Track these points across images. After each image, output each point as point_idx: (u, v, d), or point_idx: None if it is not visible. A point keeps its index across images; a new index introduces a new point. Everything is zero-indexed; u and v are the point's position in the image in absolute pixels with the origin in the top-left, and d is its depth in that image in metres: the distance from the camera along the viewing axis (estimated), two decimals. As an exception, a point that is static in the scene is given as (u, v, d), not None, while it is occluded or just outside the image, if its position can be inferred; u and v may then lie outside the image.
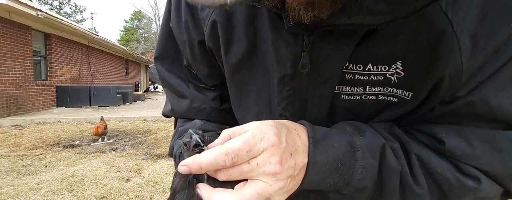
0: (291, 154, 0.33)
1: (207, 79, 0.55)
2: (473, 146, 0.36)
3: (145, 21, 42.95)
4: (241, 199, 0.31)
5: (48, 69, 8.27)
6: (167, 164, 3.37)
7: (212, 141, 0.36)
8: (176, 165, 0.46)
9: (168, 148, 0.57)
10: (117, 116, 6.78)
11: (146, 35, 42.76)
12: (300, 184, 0.35)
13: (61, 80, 8.73)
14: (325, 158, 0.35)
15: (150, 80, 23.30)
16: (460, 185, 0.37)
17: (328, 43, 0.37)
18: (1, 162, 3.36)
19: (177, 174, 0.37)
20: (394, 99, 0.40)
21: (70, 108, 8.40)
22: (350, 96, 0.41)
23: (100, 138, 4.57)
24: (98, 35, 10.38)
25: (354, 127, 0.40)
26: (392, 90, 0.39)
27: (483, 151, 0.36)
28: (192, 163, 0.32)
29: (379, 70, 0.38)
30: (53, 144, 4.28)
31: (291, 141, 0.34)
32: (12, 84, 6.56)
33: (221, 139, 0.36)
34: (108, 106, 8.97)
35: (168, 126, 5.94)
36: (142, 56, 18.74)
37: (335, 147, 0.36)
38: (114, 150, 4.07)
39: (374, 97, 0.40)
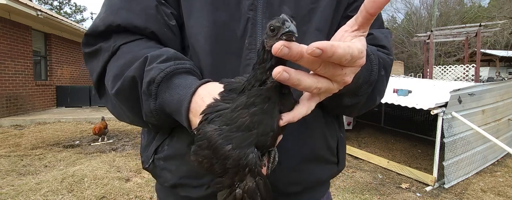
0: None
1: None
2: (384, 35, 0.61)
3: (145, 21, 42.93)
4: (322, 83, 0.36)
5: (48, 69, 8.27)
6: (167, 164, 3.38)
7: None
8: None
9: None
10: (117, 116, 6.78)
11: (146, 35, 42.70)
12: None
13: (61, 80, 8.72)
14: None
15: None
16: (390, 61, 0.57)
17: None
18: (1, 162, 3.36)
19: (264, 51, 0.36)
20: None
21: (70, 108, 8.40)
22: None
23: (100, 138, 4.57)
24: (98, 35, 10.37)
25: None
26: None
27: (386, 37, 0.61)
28: (330, 47, 0.30)
29: None
30: (53, 144, 4.28)
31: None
32: (12, 84, 6.55)
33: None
34: (108, 106, 8.97)
35: (168, 126, 5.94)
36: (142, 56, 18.73)
37: None
38: (114, 150, 4.07)
39: None
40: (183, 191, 0.56)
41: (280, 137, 0.43)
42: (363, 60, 0.35)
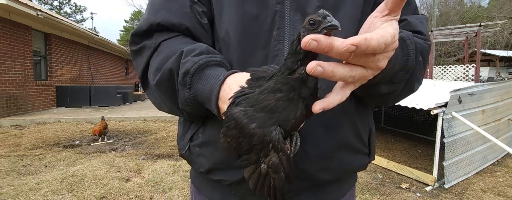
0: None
1: None
2: (420, 20, 0.59)
3: (145, 21, 42.88)
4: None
5: (48, 69, 8.27)
6: (167, 164, 3.37)
7: None
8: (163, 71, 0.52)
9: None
10: (117, 116, 6.78)
11: (146, 35, 42.67)
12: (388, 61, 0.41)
13: (61, 80, 8.72)
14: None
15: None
16: (427, 46, 0.55)
17: None
18: (1, 162, 3.36)
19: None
20: None
21: (70, 108, 8.40)
22: None
23: (100, 138, 4.57)
24: (98, 35, 10.37)
25: None
26: None
27: (422, 23, 0.60)
28: (364, 42, 0.31)
29: None
30: (53, 144, 4.28)
31: None
32: (12, 84, 6.55)
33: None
34: (108, 106, 8.96)
35: (168, 126, 5.94)
36: (142, 56, 18.70)
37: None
38: (114, 150, 4.07)
39: None
40: (217, 175, 0.60)
41: (302, 125, 0.45)
42: (396, 44, 0.36)
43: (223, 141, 0.46)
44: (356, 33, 0.42)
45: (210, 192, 0.67)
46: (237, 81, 0.46)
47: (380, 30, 0.34)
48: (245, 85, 0.45)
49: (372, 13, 0.39)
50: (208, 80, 0.50)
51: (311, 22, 0.34)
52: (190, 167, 0.70)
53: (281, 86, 0.40)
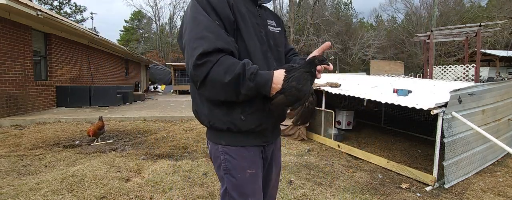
0: None
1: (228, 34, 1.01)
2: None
3: (145, 21, 42.86)
4: None
5: (48, 69, 8.26)
6: (167, 164, 3.37)
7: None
8: (245, 78, 0.93)
9: (232, 70, 0.92)
10: (117, 116, 6.77)
11: (146, 35, 42.67)
12: None
13: (61, 80, 8.72)
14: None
15: (150, 80, 23.27)
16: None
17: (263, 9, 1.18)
18: (1, 162, 3.35)
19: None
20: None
21: (70, 108, 8.40)
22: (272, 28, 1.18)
23: (95, 140, 4.52)
24: (98, 35, 10.36)
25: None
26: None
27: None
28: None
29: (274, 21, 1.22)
30: (53, 144, 4.28)
31: None
32: (12, 84, 6.55)
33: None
34: (108, 106, 8.96)
35: (168, 126, 5.94)
36: (142, 56, 18.68)
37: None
38: (114, 150, 4.07)
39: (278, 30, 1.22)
40: (261, 126, 1.08)
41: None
42: None
43: (281, 101, 0.93)
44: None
45: (249, 139, 1.10)
46: (279, 73, 0.95)
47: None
48: (285, 74, 0.94)
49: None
50: (263, 76, 0.94)
51: (319, 61, 0.95)
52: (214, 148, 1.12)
53: (307, 73, 0.94)
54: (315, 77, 0.97)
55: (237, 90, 0.92)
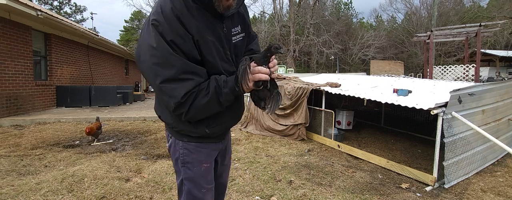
0: None
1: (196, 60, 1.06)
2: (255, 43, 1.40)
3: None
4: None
5: (48, 69, 8.26)
6: (167, 164, 3.37)
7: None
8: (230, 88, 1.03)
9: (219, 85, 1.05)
10: (117, 116, 6.77)
11: (146, 35, 42.57)
12: None
13: (61, 80, 8.72)
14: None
15: (150, 80, 23.20)
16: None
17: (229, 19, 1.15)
18: (1, 162, 3.35)
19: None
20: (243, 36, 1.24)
21: (70, 108, 8.40)
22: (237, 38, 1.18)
23: (95, 140, 4.52)
24: (98, 35, 10.36)
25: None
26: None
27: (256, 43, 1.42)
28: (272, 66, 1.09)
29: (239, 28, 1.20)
30: (53, 144, 4.28)
31: None
32: (12, 84, 6.55)
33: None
34: (108, 106, 8.96)
35: (168, 126, 5.93)
36: (142, 56, 18.64)
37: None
38: (114, 150, 4.07)
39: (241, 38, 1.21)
40: (217, 129, 1.18)
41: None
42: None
43: (254, 96, 1.15)
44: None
45: (210, 139, 1.20)
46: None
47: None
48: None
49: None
50: (232, 78, 1.04)
51: (276, 46, 1.02)
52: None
53: (263, 58, 1.03)
54: (269, 60, 1.03)
55: (218, 100, 1.02)
